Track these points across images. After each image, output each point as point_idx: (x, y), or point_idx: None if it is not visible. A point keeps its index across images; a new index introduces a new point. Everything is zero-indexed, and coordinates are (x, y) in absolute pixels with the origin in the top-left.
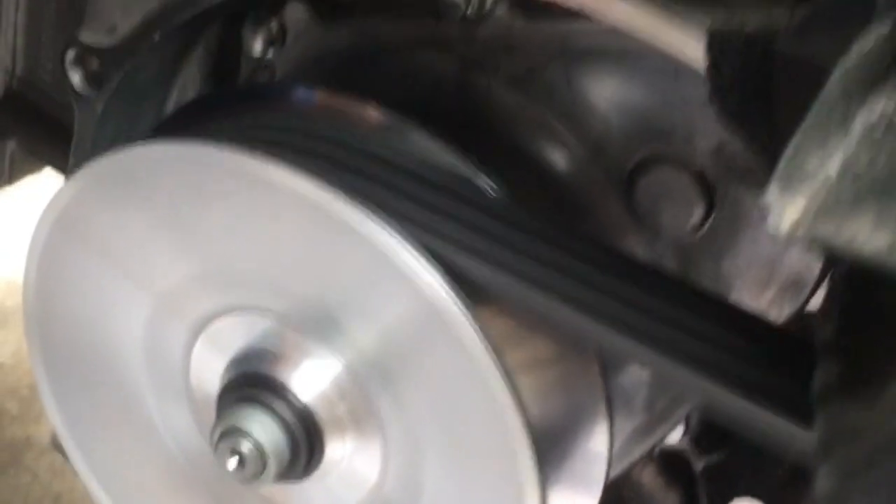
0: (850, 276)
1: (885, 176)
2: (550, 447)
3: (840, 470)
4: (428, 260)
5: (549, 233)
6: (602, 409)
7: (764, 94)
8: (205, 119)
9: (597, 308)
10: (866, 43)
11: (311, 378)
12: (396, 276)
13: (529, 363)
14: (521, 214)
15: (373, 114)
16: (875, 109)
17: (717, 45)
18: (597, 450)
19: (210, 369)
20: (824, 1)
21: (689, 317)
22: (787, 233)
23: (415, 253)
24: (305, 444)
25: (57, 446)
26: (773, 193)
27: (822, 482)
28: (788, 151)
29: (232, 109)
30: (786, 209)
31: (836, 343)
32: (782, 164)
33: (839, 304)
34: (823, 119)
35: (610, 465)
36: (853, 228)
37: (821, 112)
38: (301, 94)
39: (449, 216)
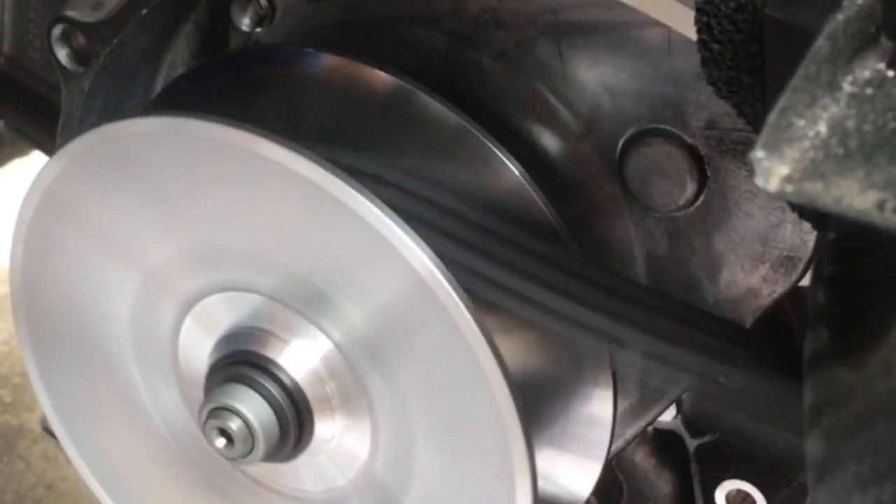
0: (837, 243)
1: (874, 135)
2: (550, 407)
3: (829, 434)
4: (420, 237)
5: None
6: (606, 374)
7: (756, 61)
8: (206, 86)
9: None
10: (854, 4)
11: (300, 356)
12: (388, 253)
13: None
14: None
15: (380, 78)
16: (864, 70)
17: (708, 11)
18: (600, 414)
19: (198, 348)
20: None
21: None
22: (775, 191)
23: (407, 230)
24: (295, 422)
25: (47, 429)
26: (760, 152)
27: (812, 448)
28: (775, 111)
29: (233, 79)
30: (773, 167)
31: (826, 309)
32: (769, 123)
33: (828, 271)
34: (811, 79)
35: (614, 429)
36: (841, 187)
37: (808, 73)
38: (307, 57)
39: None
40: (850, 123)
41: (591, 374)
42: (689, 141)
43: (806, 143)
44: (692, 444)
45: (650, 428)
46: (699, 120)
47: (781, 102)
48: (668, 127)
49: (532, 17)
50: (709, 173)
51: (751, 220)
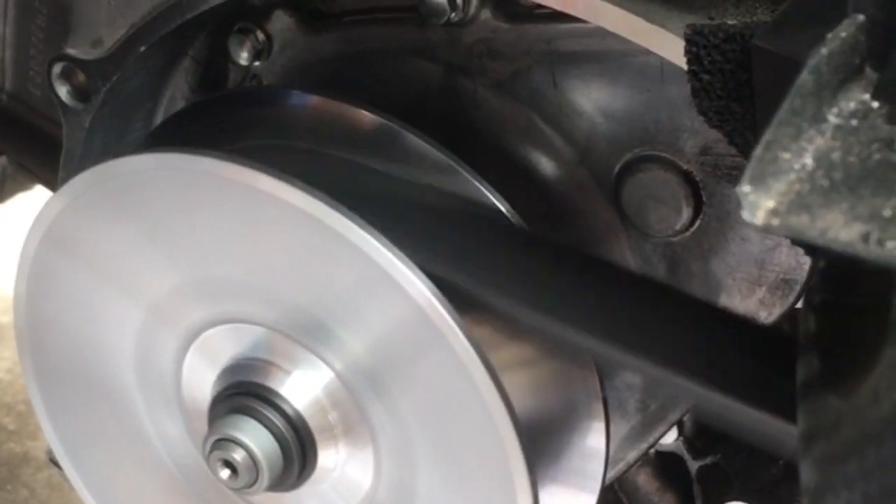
0: (828, 271)
1: (859, 167)
2: (547, 444)
3: (821, 462)
4: (419, 268)
5: (530, 242)
6: (598, 407)
7: (745, 91)
8: (196, 126)
9: (586, 322)
10: (838, 37)
11: (302, 387)
12: (387, 284)
13: (523, 361)
14: (508, 225)
15: (366, 117)
16: (849, 101)
17: (697, 42)
18: (594, 447)
19: (201, 379)
20: None
21: (677, 322)
22: (761, 224)
23: (405, 261)
24: (298, 452)
25: (53, 460)
26: (746, 186)
27: (806, 475)
28: (761, 144)
29: (223, 116)
30: (759, 201)
31: (817, 337)
32: (755, 157)
33: (818, 299)
34: (796, 113)
35: (608, 462)
36: (827, 220)
37: (794, 106)
38: (295, 98)
39: (442, 233)
40: (836, 155)
41: (584, 406)
42: (684, 167)
43: (792, 176)
44: (694, 465)
45: (652, 450)
46: (693, 146)
47: (767, 136)
48: (663, 153)
49: (526, 48)
50: (704, 198)
51: (747, 243)
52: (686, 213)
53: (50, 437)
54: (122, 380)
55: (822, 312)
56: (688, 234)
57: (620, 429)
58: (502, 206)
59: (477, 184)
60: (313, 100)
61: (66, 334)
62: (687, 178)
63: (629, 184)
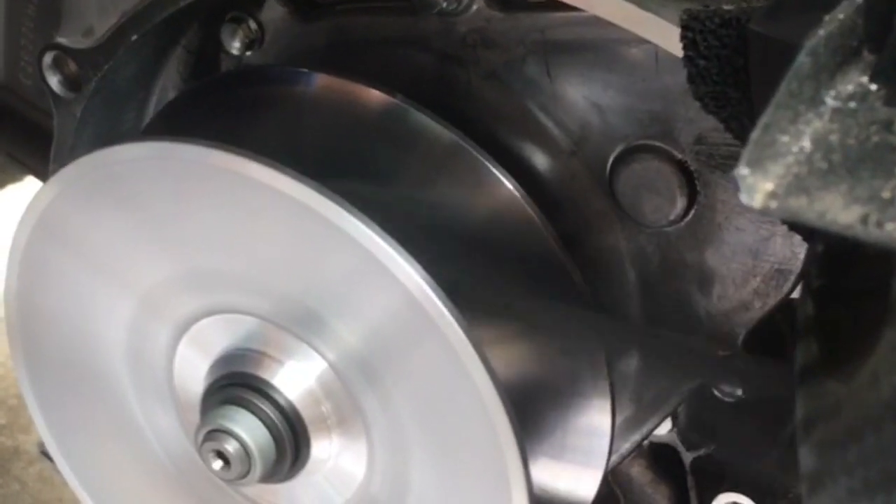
0: (825, 255)
1: (857, 149)
2: (550, 419)
3: (820, 447)
4: (412, 257)
5: None
6: (604, 384)
7: (742, 76)
8: (200, 111)
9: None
10: (836, 19)
11: (295, 377)
12: (380, 273)
13: (525, 334)
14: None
15: (376, 96)
16: (847, 84)
17: (693, 27)
18: (599, 424)
19: (194, 370)
20: None
21: None
22: (760, 207)
23: (398, 249)
24: (291, 443)
25: (44, 453)
26: (744, 168)
27: (805, 461)
28: (759, 127)
29: (227, 100)
30: (757, 184)
31: (815, 322)
32: (753, 140)
33: (816, 284)
34: (794, 95)
35: (613, 436)
36: (825, 202)
37: (791, 89)
38: (298, 77)
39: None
40: (834, 138)
41: (590, 384)
42: (679, 156)
43: (790, 159)
44: (688, 457)
45: (646, 442)
46: (688, 135)
47: (764, 119)
48: (657, 143)
49: (520, 37)
50: (699, 188)
51: (741, 233)
52: (680, 203)
53: (41, 429)
54: (115, 372)
55: (821, 297)
56: (682, 224)
57: (615, 419)
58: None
59: (486, 163)
60: (318, 79)
61: (57, 326)
62: (681, 167)
63: (623, 174)
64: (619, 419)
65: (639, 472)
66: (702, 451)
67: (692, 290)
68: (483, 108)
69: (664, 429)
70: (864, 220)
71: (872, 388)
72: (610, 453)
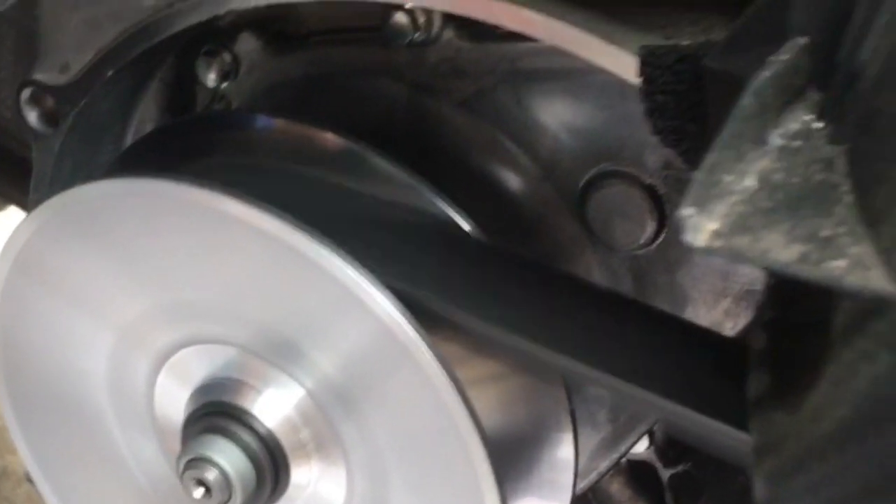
0: (776, 288)
1: (800, 188)
2: (518, 457)
3: (770, 477)
4: (384, 287)
5: (495, 258)
6: (566, 418)
7: (699, 110)
8: (162, 151)
9: (550, 337)
10: (780, 59)
11: (274, 405)
12: (353, 304)
13: (491, 376)
14: (473, 242)
15: (332, 140)
16: (794, 123)
17: (650, 63)
18: (563, 457)
19: (174, 400)
20: (752, 16)
21: (643, 336)
22: (704, 246)
23: (371, 280)
24: (271, 470)
25: (30, 479)
26: (688, 209)
27: (757, 489)
28: (704, 167)
29: (189, 140)
30: (702, 224)
31: (766, 354)
32: (697, 180)
33: (767, 316)
34: (738, 136)
35: (577, 472)
36: (767, 241)
37: (735, 130)
38: (260, 122)
39: (406, 251)
40: (778, 176)
41: (553, 418)
42: (648, 181)
43: (735, 198)
44: (666, 473)
45: (624, 460)
46: (656, 160)
47: (709, 159)
48: (626, 168)
49: (490, 66)
50: (668, 212)
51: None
52: (650, 226)
53: (25, 456)
54: (97, 402)
55: (771, 329)
56: (653, 247)
57: (591, 440)
58: (466, 223)
59: (440, 203)
60: (279, 123)
61: (39, 359)
62: (650, 192)
63: (594, 199)
64: (596, 439)
65: (618, 489)
66: (679, 468)
67: None
68: (455, 136)
69: (642, 446)
70: (804, 258)
71: (816, 420)
72: (575, 484)
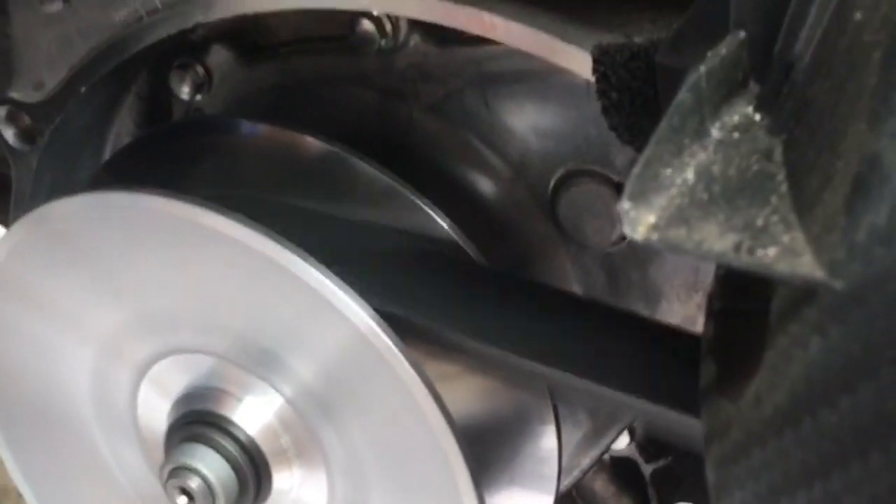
0: (725, 278)
1: (737, 179)
2: (499, 448)
3: (717, 463)
4: (357, 294)
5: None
6: (548, 410)
7: (653, 107)
8: (143, 161)
9: (521, 346)
10: (719, 54)
11: (254, 413)
12: (330, 313)
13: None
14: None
15: (311, 144)
16: (733, 115)
17: (604, 61)
18: (547, 448)
19: (156, 410)
20: (697, 12)
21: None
22: (642, 238)
23: (346, 290)
24: (253, 477)
25: None
26: (626, 202)
27: (709, 475)
28: (641, 161)
29: (170, 149)
30: (640, 217)
31: (714, 342)
32: (634, 174)
33: (716, 306)
34: (676, 130)
35: (561, 464)
36: (703, 232)
37: (672, 124)
38: (242, 128)
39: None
40: (716, 168)
41: (535, 411)
42: (616, 179)
43: (673, 191)
44: (647, 469)
45: (607, 456)
46: (624, 159)
47: (647, 154)
48: (594, 167)
49: (457, 70)
50: None
51: None
52: (620, 224)
53: (14, 476)
54: (81, 416)
55: (719, 318)
56: (624, 244)
57: (573, 437)
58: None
59: (421, 205)
60: (259, 128)
61: (22, 375)
62: (619, 190)
63: (564, 198)
64: (577, 435)
65: (601, 485)
66: (660, 463)
67: (639, 307)
68: (425, 139)
69: (623, 442)
70: (738, 247)
71: (757, 406)
72: (560, 475)
